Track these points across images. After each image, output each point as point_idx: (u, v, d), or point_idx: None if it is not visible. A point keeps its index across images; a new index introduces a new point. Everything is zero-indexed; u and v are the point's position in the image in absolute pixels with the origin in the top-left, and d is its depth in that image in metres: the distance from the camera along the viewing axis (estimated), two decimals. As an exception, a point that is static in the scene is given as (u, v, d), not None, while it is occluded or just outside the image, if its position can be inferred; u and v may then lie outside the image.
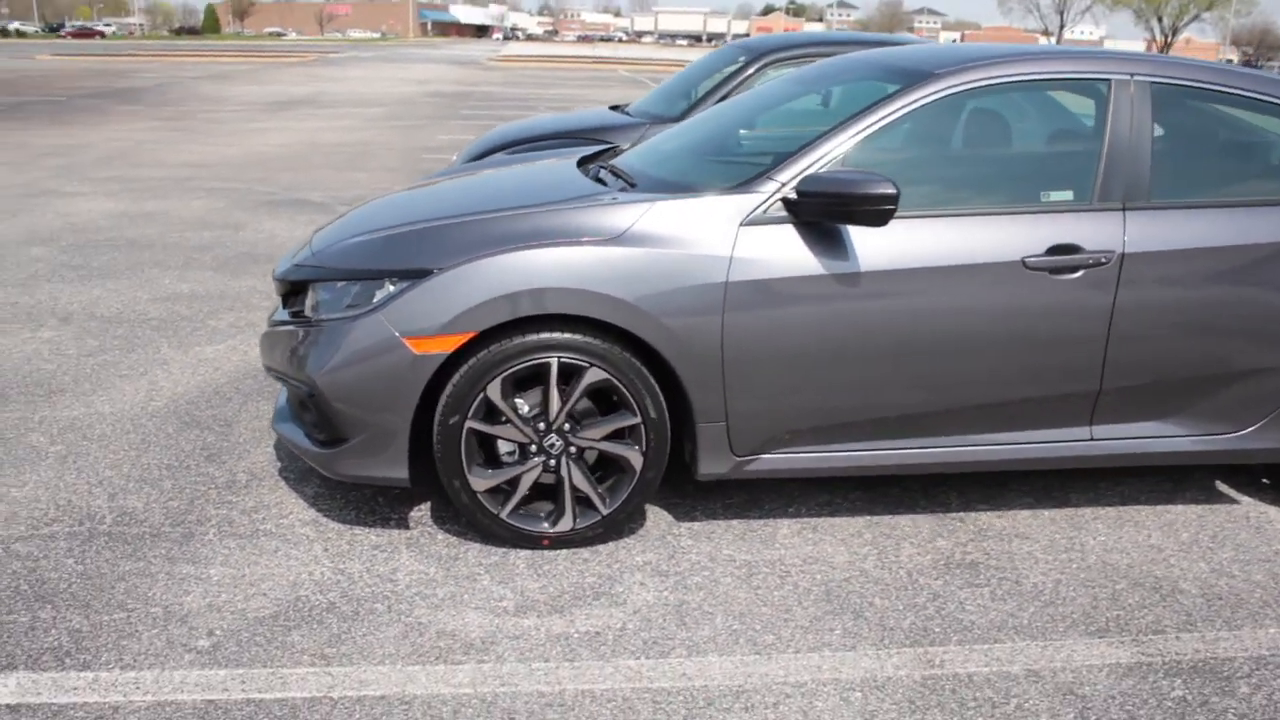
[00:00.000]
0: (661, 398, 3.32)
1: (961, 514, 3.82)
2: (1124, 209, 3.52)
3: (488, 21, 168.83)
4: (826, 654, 2.91)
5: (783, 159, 3.38)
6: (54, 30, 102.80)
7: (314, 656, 2.86)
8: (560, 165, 4.11)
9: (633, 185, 3.63)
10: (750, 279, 3.24)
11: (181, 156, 13.52)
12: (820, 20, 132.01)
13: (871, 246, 3.31)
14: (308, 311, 3.46)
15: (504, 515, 3.38)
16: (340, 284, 3.40)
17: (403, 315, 3.20)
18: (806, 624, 3.06)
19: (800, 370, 3.33)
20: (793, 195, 3.27)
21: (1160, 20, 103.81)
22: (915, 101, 3.48)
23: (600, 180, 3.78)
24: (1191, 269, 3.52)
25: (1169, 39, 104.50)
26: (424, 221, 3.46)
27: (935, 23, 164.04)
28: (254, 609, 3.09)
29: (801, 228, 3.30)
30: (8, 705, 2.63)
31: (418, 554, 3.43)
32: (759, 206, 3.30)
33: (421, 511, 3.72)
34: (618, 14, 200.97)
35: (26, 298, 6.59)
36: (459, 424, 3.27)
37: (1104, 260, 3.45)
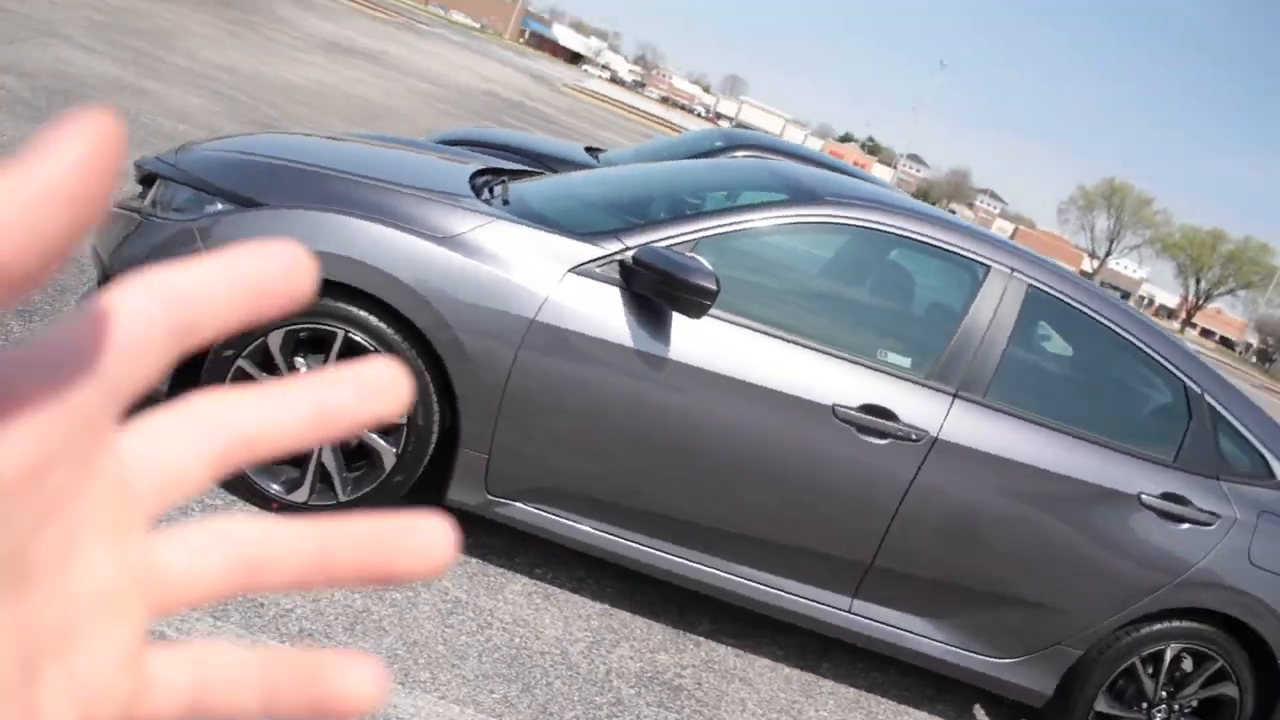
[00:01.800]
0: (435, 408, 3.26)
1: (700, 639, 3.74)
2: (955, 395, 3.49)
3: (584, 51, 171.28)
4: (469, 712, 2.82)
5: (638, 225, 3.37)
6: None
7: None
8: (460, 166, 4.10)
9: (504, 204, 3.61)
10: (558, 324, 3.21)
11: (215, 56, 13.54)
12: (892, 166, 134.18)
13: (688, 339, 3.28)
14: (146, 203, 3.42)
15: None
16: (183, 188, 3.36)
17: (213, 234, 3.16)
18: (470, 677, 2.97)
19: (578, 432, 3.28)
20: (629, 261, 3.25)
21: (1198, 281, 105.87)
22: (790, 216, 3.47)
23: (482, 191, 3.76)
24: (999, 478, 3.48)
25: (1200, 302, 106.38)
26: (288, 160, 3.43)
27: (995, 207, 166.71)
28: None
29: (628, 296, 3.27)
30: None
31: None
32: (594, 260, 3.28)
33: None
34: (707, 89, 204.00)
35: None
36: (231, 359, 3.21)
37: (915, 437, 3.42)
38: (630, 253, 3.28)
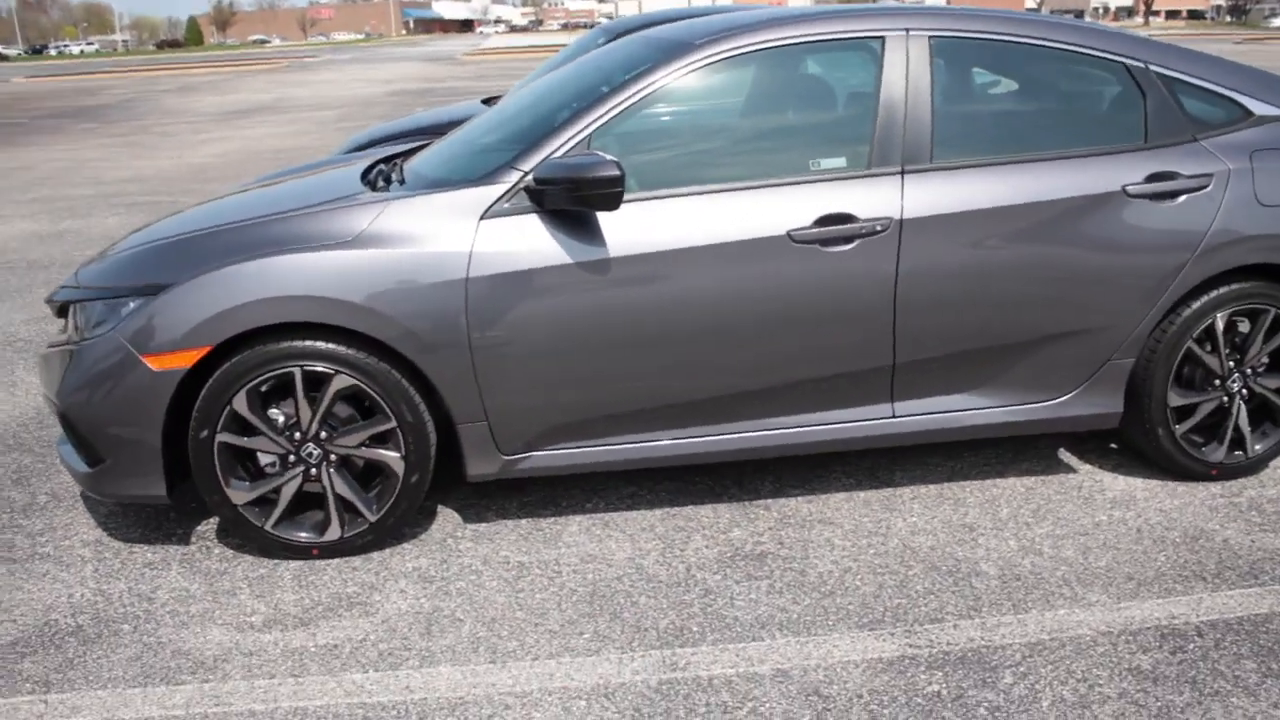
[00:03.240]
0: (418, 400, 3.21)
1: (769, 501, 3.70)
2: (902, 173, 3.37)
3: (470, 16, 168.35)
4: (565, 660, 2.80)
5: (528, 147, 3.26)
6: (38, 52, 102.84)
7: (36, 684, 2.77)
8: (350, 169, 3.99)
9: (401, 184, 3.52)
10: (492, 273, 3.13)
11: (119, 173, 13.42)
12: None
13: (620, 231, 3.18)
14: (71, 333, 3.37)
15: (268, 527, 3.28)
16: (94, 303, 3.30)
17: (140, 332, 3.11)
18: (556, 628, 2.95)
19: (555, 364, 3.21)
20: (533, 184, 3.15)
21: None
22: (668, 75, 3.35)
23: (381, 182, 3.65)
24: (981, 232, 3.38)
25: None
26: (173, 236, 3.37)
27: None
28: (-4, 638, 3.00)
29: (546, 217, 3.18)
30: None
31: (188, 570, 3.33)
32: (500, 198, 3.18)
33: (208, 526, 3.62)
34: None
35: (-98, 324, 6.50)
36: (209, 438, 3.17)
37: (880, 229, 3.32)
38: (530, 176, 3.17)
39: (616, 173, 3.00)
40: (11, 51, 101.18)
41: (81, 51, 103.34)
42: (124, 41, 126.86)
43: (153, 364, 3.08)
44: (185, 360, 3.08)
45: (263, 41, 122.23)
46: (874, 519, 3.58)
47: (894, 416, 3.54)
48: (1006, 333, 3.47)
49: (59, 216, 10.19)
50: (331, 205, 3.29)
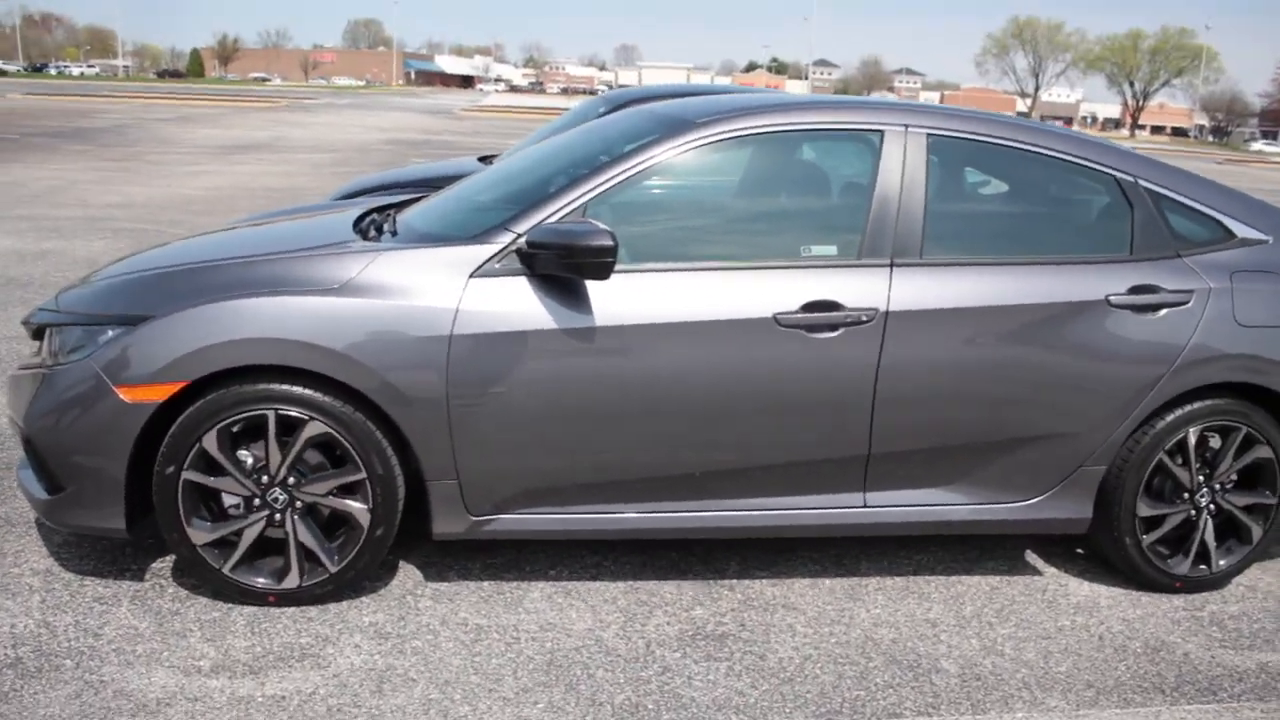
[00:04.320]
0: (390, 453, 3.18)
1: (733, 581, 3.68)
2: (891, 265, 3.41)
3: (472, 72, 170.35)
4: (518, 729, 2.75)
5: (523, 210, 3.28)
6: (37, 70, 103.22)
7: (-32, 719, 2.69)
8: (342, 216, 4.00)
9: (393, 235, 3.52)
10: (476, 332, 3.12)
11: (108, 197, 13.39)
12: (805, 79, 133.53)
13: (609, 301, 3.20)
14: (44, 356, 3.33)
15: (226, 570, 3.23)
16: (72, 328, 3.27)
17: (115, 362, 3.08)
18: (511, 695, 2.90)
19: (532, 428, 3.20)
20: (525, 247, 3.16)
21: (1132, 85, 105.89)
22: (668, 150, 3.39)
23: (373, 231, 3.66)
24: (965, 329, 3.41)
25: (1141, 103, 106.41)
26: (158, 268, 3.35)
27: (915, 83, 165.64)
28: (-69, 666, 2.91)
29: (536, 281, 3.19)
30: None
31: (138, 608, 3.26)
32: (491, 258, 3.19)
33: (164, 564, 3.55)
34: (603, 67, 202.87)
35: (-128, 333, 6.42)
36: (175, 475, 3.12)
37: (865, 319, 3.34)
38: (523, 239, 3.19)
39: (610, 243, 3.02)
40: (11, 67, 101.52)
41: (81, 74, 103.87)
42: (125, 67, 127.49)
43: (125, 395, 3.05)
44: (159, 394, 3.05)
45: (264, 80, 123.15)
46: (838, 607, 3.56)
47: (865, 506, 3.54)
48: (982, 431, 3.49)
49: (43, 236, 10.14)
50: (321, 251, 3.28)
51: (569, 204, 3.26)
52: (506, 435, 3.19)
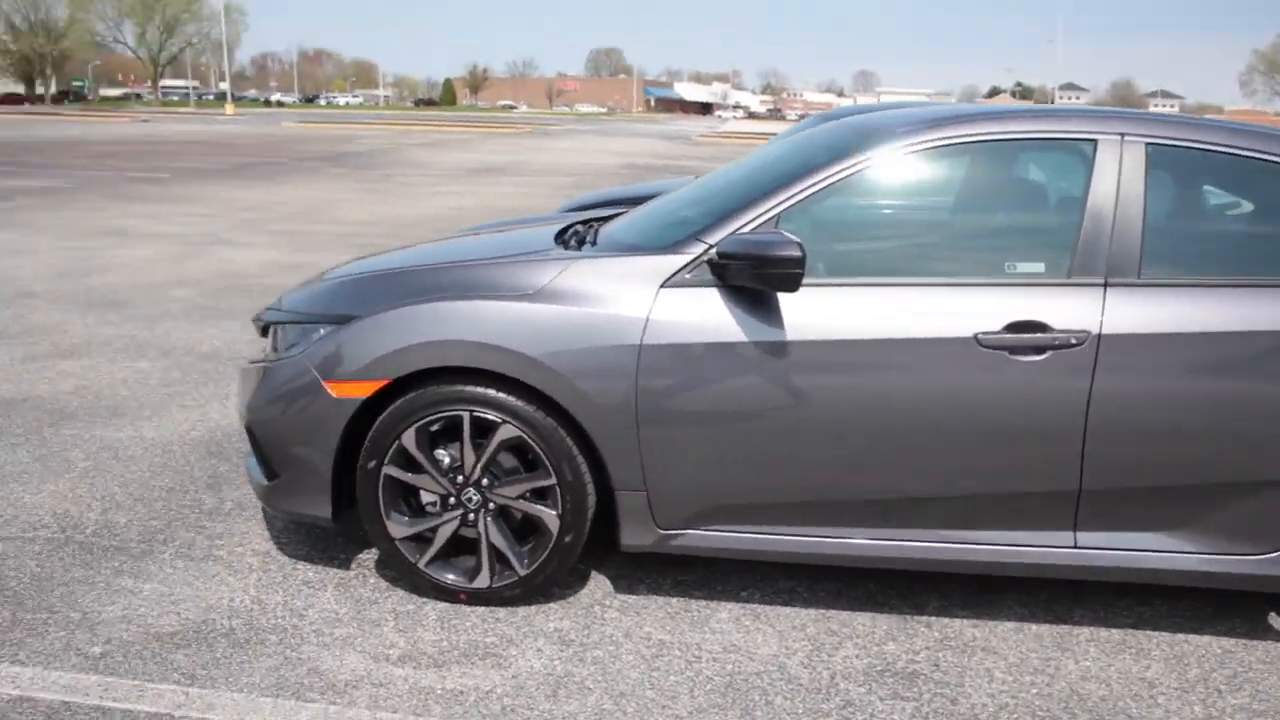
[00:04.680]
0: (580, 460, 3.20)
1: (931, 618, 3.49)
2: (1105, 285, 3.16)
3: (710, 99, 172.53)
4: (687, 749, 2.69)
5: (715, 220, 3.24)
6: (309, 101, 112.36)
7: (183, 675, 2.91)
8: (549, 227, 4.09)
9: (593, 246, 3.56)
10: (666, 342, 3.10)
11: (358, 215, 14.32)
12: (1050, 102, 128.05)
13: (802, 314, 3.10)
14: (269, 352, 3.57)
15: (421, 565, 3.34)
16: (291, 326, 3.49)
17: (325, 359, 3.25)
18: (684, 714, 2.84)
19: (721, 442, 3.14)
20: (716, 258, 3.12)
21: None
22: (865, 162, 3.26)
23: (574, 242, 3.72)
24: (1189, 356, 3.10)
25: None
26: (368, 271, 3.54)
27: (1173, 105, 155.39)
28: (160, 625, 3.18)
29: (727, 292, 3.14)
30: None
31: (341, 594, 3.42)
32: (683, 268, 3.16)
33: (369, 555, 3.72)
34: (841, 94, 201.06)
35: (146, 332, 7.08)
36: (376, 469, 3.26)
37: (1075, 341, 3.11)
38: (714, 249, 3.15)
39: (798, 253, 2.94)
40: (289, 99, 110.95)
41: (346, 104, 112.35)
42: (385, 96, 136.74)
43: (333, 390, 3.21)
44: (363, 390, 3.19)
45: (511, 107, 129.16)
46: (1042, 656, 3.31)
47: (1075, 546, 3.28)
48: (1211, 471, 3.17)
49: (299, 250, 10.94)
50: (519, 258, 3.36)
51: (761, 214, 3.20)
52: (695, 447, 3.15)
